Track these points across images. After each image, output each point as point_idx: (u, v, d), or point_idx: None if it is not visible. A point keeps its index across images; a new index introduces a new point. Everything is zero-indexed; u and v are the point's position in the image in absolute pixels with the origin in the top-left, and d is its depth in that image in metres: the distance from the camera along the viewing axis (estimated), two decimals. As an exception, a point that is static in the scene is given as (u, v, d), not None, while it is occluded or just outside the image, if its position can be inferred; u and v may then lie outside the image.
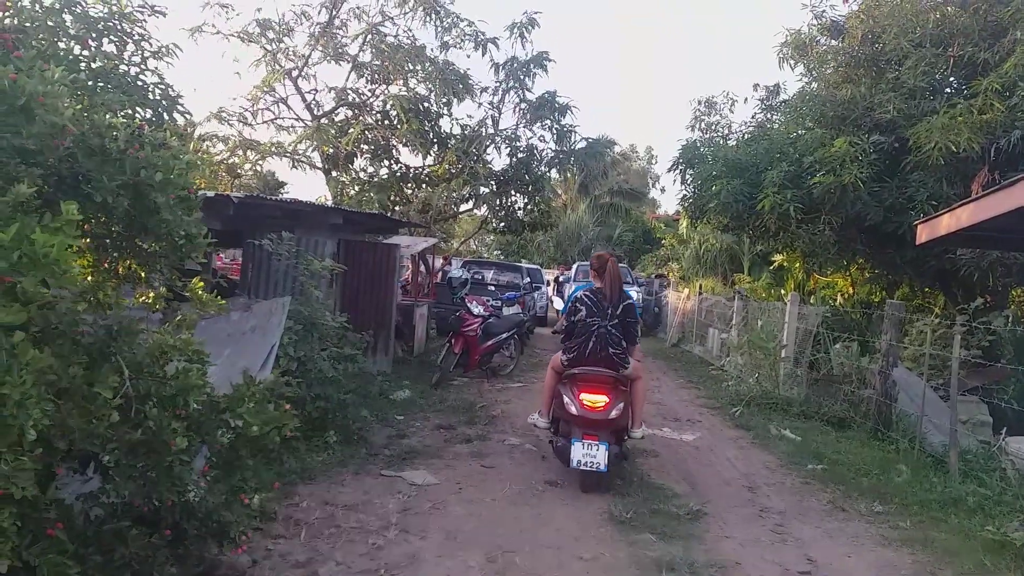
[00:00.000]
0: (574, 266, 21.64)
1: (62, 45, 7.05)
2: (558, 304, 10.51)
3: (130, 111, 5.36)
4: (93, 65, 7.89)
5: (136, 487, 3.59)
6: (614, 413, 6.01)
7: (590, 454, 5.89)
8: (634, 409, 6.41)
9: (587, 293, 6.39)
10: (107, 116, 3.86)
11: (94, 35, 8.03)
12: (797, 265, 16.54)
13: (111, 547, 3.45)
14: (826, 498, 6.20)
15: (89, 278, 4.23)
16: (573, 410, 6.01)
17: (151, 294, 4.58)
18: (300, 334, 6.80)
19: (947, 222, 8.47)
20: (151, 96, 8.41)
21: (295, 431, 5.70)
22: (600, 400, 6.02)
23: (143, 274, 4.39)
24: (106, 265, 4.29)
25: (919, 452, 7.25)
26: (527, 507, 5.53)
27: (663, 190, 57.84)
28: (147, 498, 3.60)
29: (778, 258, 17.46)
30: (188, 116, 8.46)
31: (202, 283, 4.90)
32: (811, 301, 14.08)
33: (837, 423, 8.85)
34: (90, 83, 7.72)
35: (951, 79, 11.66)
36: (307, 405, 6.44)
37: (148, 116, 5.66)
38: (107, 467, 3.64)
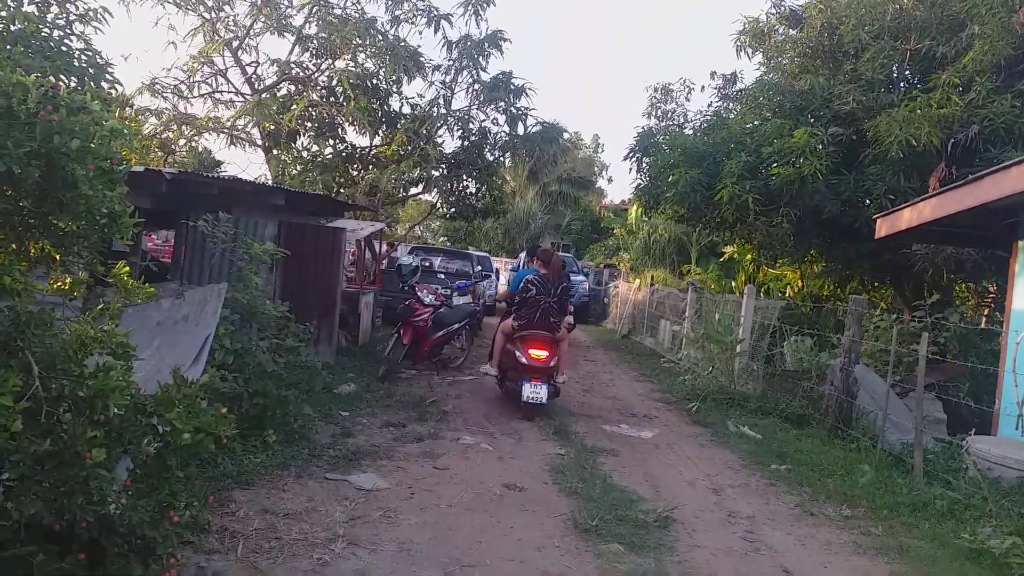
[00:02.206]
0: (521, 255, 21.37)
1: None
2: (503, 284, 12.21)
3: (51, 78, 4.77)
4: (12, 27, 7.16)
5: (44, 504, 3.08)
6: (552, 363, 8.26)
7: (535, 391, 8.04)
8: (562, 360, 8.61)
9: (536, 277, 8.54)
10: (16, 73, 3.28)
11: (13, -6, 7.27)
12: (748, 257, 16.52)
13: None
14: (793, 501, 5.98)
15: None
16: (524, 360, 8.16)
17: (68, 280, 4.02)
18: (237, 324, 6.26)
19: (908, 216, 8.39)
20: (76, 63, 7.70)
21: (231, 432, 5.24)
22: (543, 354, 8.20)
23: (58, 257, 3.83)
24: (14, 246, 3.72)
25: (880, 452, 7.11)
26: (485, 514, 5.14)
27: (611, 180, 58.13)
28: (58, 515, 3.10)
29: (728, 250, 17.42)
30: (118, 86, 7.80)
31: (127, 268, 4.38)
32: (761, 294, 14.02)
33: (796, 420, 8.72)
34: (8, 47, 7.01)
35: (908, 72, 11.66)
36: (244, 402, 5.91)
37: (72, 84, 5.07)
38: (9, 483, 3.13)
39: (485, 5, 14.35)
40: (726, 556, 4.73)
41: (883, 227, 8.81)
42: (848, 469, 6.75)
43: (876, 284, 13.59)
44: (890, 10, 11.30)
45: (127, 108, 13.71)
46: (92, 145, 3.13)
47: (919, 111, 9.72)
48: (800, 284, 15.80)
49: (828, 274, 14.26)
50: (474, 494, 5.51)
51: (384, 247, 16.90)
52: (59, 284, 3.97)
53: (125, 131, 3.89)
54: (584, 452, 6.90)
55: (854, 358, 8.10)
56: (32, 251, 3.85)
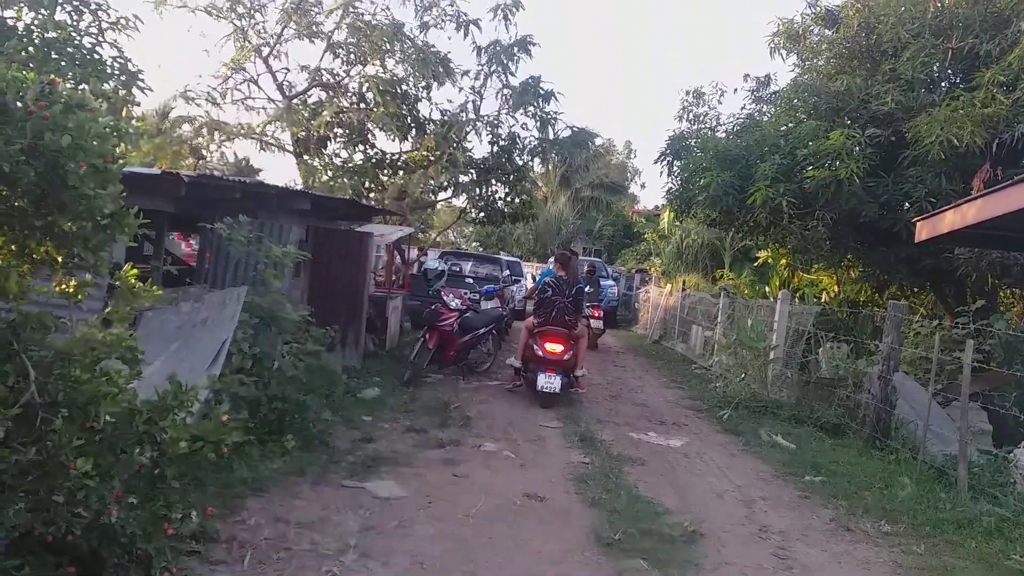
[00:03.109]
0: (551, 260, 21.22)
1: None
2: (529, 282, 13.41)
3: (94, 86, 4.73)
4: (47, 35, 7.17)
5: (33, 516, 2.98)
6: (566, 356, 9.04)
7: (549, 381, 8.78)
8: (578, 355, 9.38)
9: (553, 279, 9.49)
10: (10, 68, 3.20)
11: (45, 1, 7.31)
12: (783, 262, 16.11)
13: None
14: (828, 515, 5.71)
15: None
16: (540, 354, 9.01)
17: (72, 282, 3.93)
18: (257, 328, 6.17)
19: (951, 219, 8.02)
20: (108, 70, 7.70)
21: (248, 436, 5.13)
22: (558, 348, 9.03)
23: (60, 259, 3.74)
24: (14, 247, 3.64)
25: (922, 464, 6.78)
26: (503, 525, 4.96)
27: (643, 185, 57.58)
28: (47, 526, 3.00)
29: (762, 254, 17.03)
30: (148, 92, 7.78)
31: (135, 270, 4.30)
32: (796, 299, 13.65)
33: (831, 429, 8.40)
34: (41, 53, 7.02)
35: (949, 71, 11.26)
36: (263, 406, 5.83)
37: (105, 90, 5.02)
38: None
39: (514, 10, 14.24)
40: (756, 574, 4.50)
41: (924, 230, 8.44)
42: (887, 482, 6.45)
43: (916, 289, 13.13)
44: (931, 8, 10.92)
45: (165, 116, 13.88)
46: (84, 142, 3.02)
47: (962, 110, 9.35)
48: (836, 289, 15.35)
49: (865, 279, 13.82)
50: (493, 504, 5.33)
51: (415, 252, 16.85)
52: (63, 287, 3.88)
53: (128, 129, 3.81)
54: (609, 461, 6.69)
55: (893, 365, 7.78)
56: (36, 254, 3.77)
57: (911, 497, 6.05)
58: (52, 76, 3.40)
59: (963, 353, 6.60)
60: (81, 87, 3.89)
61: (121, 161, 3.28)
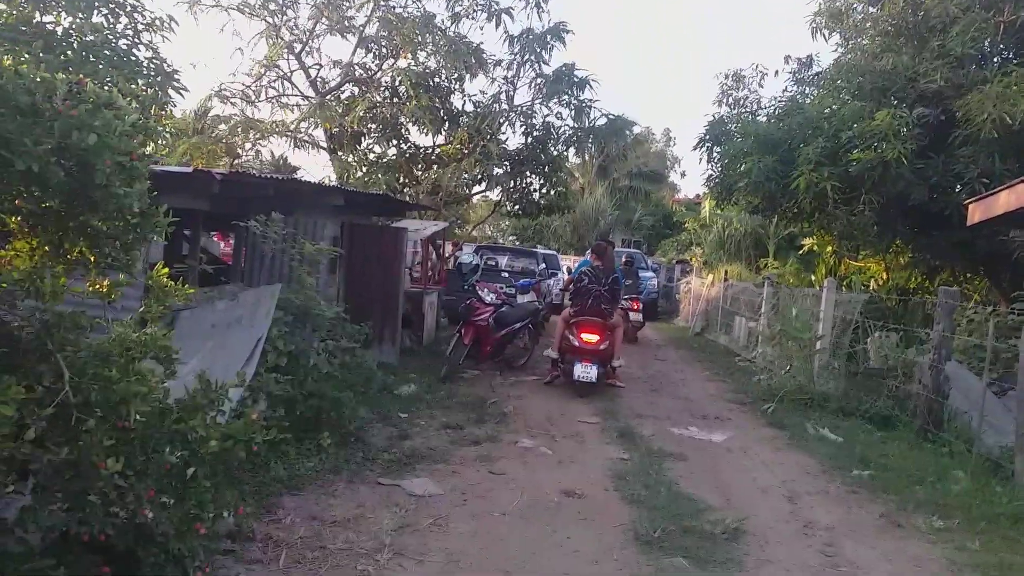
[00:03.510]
0: (588, 251, 21.02)
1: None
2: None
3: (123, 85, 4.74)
4: (85, 38, 7.25)
5: (68, 515, 2.98)
6: (602, 346, 9.09)
7: (586, 371, 8.87)
8: (615, 345, 9.40)
9: (589, 269, 9.60)
10: (38, 70, 3.20)
11: (82, 5, 7.39)
12: (829, 249, 15.71)
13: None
14: (877, 510, 5.50)
15: (27, 262, 3.62)
16: (576, 344, 9.08)
17: (106, 282, 3.93)
18: (291, 325, 6.16)
19: (1006, 200, 7.70)
20: (144, 71, 7.77)
21: (284, 434, 5.12)
22: (594, 338, 9.06)
23: (93, 259, 3.74)
24: (47, 248, 3.65)
25: (976, 456, 6.51)
26: (540, 523, 4.87)
27: (683, 174, 56.87)
28: (82, 525, 3.00)
29: (807, 242, 16.64)
30: (184, 92, 7.83)
31: (167, 269, 4.29)
32: (843, 287, 13.29)
33: (880, 421, 8.12)
34: (79, 57, 7.09)
35: (1002, 46, 10.82)
36: (299, 404, 5.81)
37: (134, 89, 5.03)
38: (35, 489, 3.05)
39: (547, -3, 14.08)
40: (801, 572, 4.34)
41: (976, 213, 8.12)
42: (939, 475, 6.20)
43: (968, 275, 12.69)
44: (981, -19, 10.49)
45: (203, 116, 14.06)
46: (110, 140, 3.00)
47: (1015, 87, 8.97)
48: (885, 276, 14.92)
49: (915, 265, 13.40)
50: (530, 501, 5.25)
51: (449, 247, 16.81)
52: (97, 287, 3.88)
53: (157, 127, 3.79)
54: (649, 456, 6.55)
55: (945, 354, 7.49)
56: (70, 254, 3.78)
57: (965, 491, 5.81)
58: (80, 76, 3.40)
59: (1020, 340, 6.30)
60: (108, 85, 3.87)
61: (148, 158, 3.25)
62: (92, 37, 7.10)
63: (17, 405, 2.61)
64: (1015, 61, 9.94)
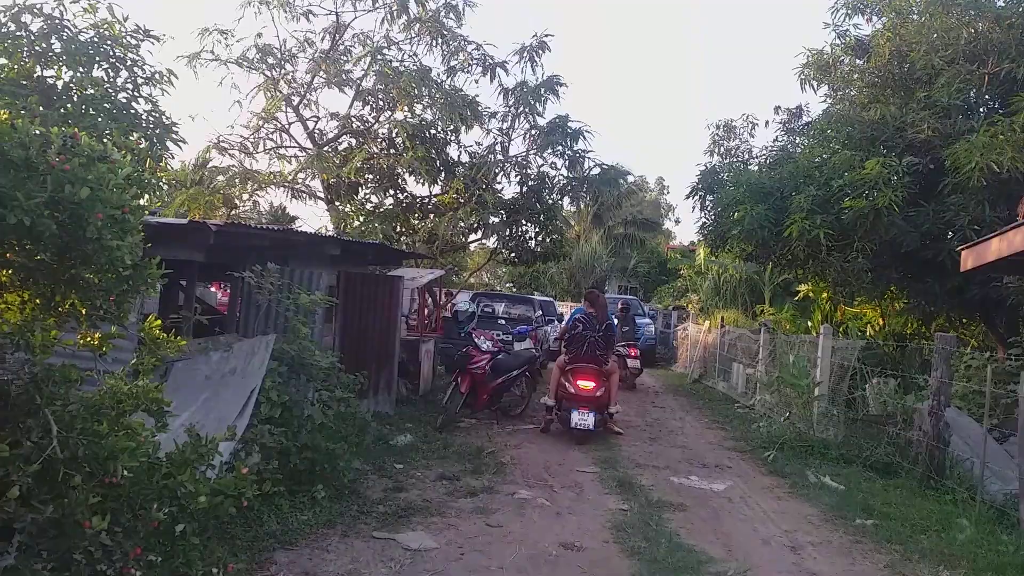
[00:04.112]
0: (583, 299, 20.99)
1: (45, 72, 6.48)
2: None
3: (117, 138, 4.78)
4: (85, 92, 7.35)
5: (53, 574, 2.90)
6: (599, 393, 9.17)
7: (583, 418, 8.92)
8: (611, 392, 9.46)
9: (583, 316, 9.72)
10: (33, 124, 3.22)
11: (83, 60, 7.50)
12: (824, 296, 15.74)
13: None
14: (882, 560, 5.40)
15: (18, 315, 3.60)
16: (572, 391, 9.15)
17: (96, 335, 3.91)
18: (285, 376, 6.11)
19: (997, 247, 7.73)
20: (143, 124, 7.86)
21: (277, 487, 5.03)
22: (590, 384, 9.15)
23: (84, 311, 3.71)
24: (38, 300, 3.63)
25: (981, 504, 6.42)
26: (539, 577, 4.77)
27: (678, 221, 57.31)
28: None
29: (803, 288, 16.68)
30: (182, 144, 7.91)
31: (159, 321, 4.27)
32: (839, 333, 13.27)
33: (882, 468, 8.03)
34: (78, 110, 7.18)
35: (987, 96, 11.03)
36: (292, 456, 5.72)
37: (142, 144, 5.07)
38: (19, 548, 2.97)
39: (540, 52, 14.34)
40: (806, 627, 4.23)
41: (969, 259, 8.15)
42: (944, 524, 6.11)
43: (964, 320, 12.70)
44: (964, 34, 10.74)
45: (202, 167, 14.18)
46: (102, 193, 3.00)
47: (1001, 136, 9.11)
48: (881, 322, 14.92)
49: (911, 311, 13.41)
50: (528, 555, 5.14)
51: (442, 295, 16.78)
52: (88, 339, 3.85)
53: (151, 180, 3.81)
54: (649, 507, 6.44)
55: (944, 400, 7.44)
56: (64, 306, 3.75)
57: (970, 540, 5.71)
58: (75, 129, 3.42)
59: (1019, 385, 6.27)
60: (105, 138, 3.88)
61: (141, 210, 3.25)
62: (92, 91, 7.20)
63: (2, 462, 2.55)
64: (1000, 111, 10.11)
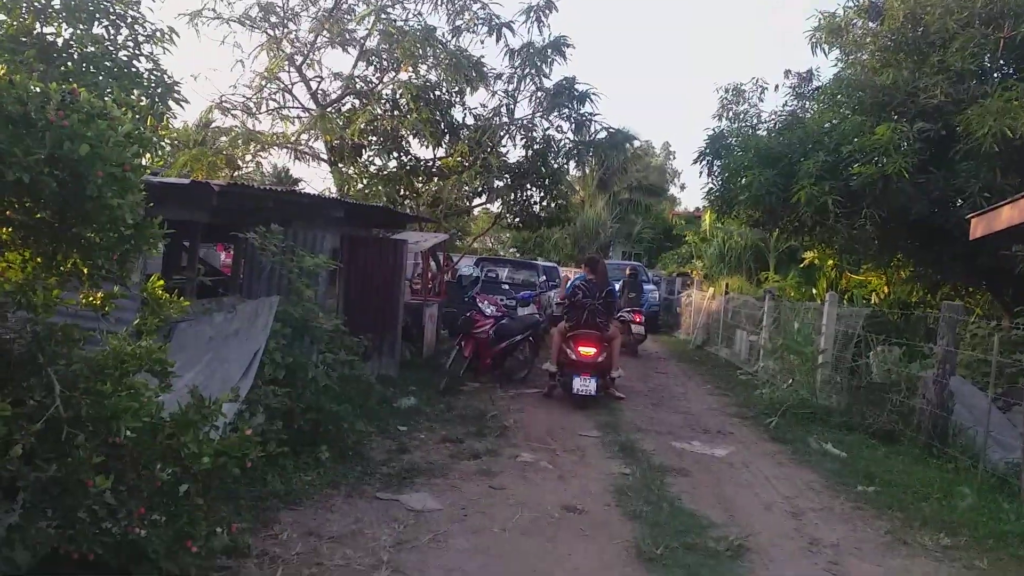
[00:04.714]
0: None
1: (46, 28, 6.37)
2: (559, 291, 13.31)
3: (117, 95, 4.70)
4: (85, 50, 7.24)
5: (57, 533, 2.91)
6: (600, 359, 9.21)
7: (585, 384, 8.95)
8: (612, 357, 9.49)
9: (583, 282, 9.72)
10: (32, 80, 3.16)
11: (83, 16, 7.37)
12: (830, 263, 15.67)
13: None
14: (883, 527, 5.42)
15: (19, 274, 3.57)
16: (574, 357, 9.16)
17: (99, 295, 3.88)
18: (289, 338, 6.10)
19: (1008, 214, 7.66)
20: (145, 83, 7.74)
21: (282, 448, 5.05)
22: (591, 351, 9.17)
23: (86, 270, 3.68)
24: (39, 260, 3.59)
25: (983, 472, 6.44)
26: (541, 538, 4.80)
27: (683, 187, 56.87)
28: (71, 542, 2.93)
29: (808, 255, 16.61)
30: (185, 104, 7.81)
31: (162, 281, 4.24)
32: (844, 301, 13.24)
33: (884, 436, 8.04)
34: (79, 67, 7.08)
35: (1002, 61, 10.83)
36: (296, 417, 5.74)
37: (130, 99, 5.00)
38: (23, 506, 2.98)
39: (547, 11, 14.08)
40: (807, 592, 4.26)
41: (979, 227, 8.08)
42: (945, 492, 6.13)
43: (971, 289, 12.64)
44: (980, -3, 10.51)
45: (206, 127, 14.05)
46: (103, 151, 2.95)
47: (1016, 101, 8.97)
48: (886, 290, 14.87)
49: (917, 279, 13.36)
50: (530, 516, 5.17)
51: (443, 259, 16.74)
52: (91, 299, 3.82)
53: (153, 138, 3.75)
54: (651, 471, 6.46)
55: (949, 369, 7.43)
56: (63, 266, 3.72)
57: (972, 508, 5.74)
58: (74, 86, 3.36)
59: (1025, 355, 6.25)
60: (105, 95, 3.80)
61: (141, 169, 3.20)
62: (92, 48, 7.09)
63: (4, 421, 2.54)
64: (1015, 76, 9.94)
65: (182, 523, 3.04)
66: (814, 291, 16.78)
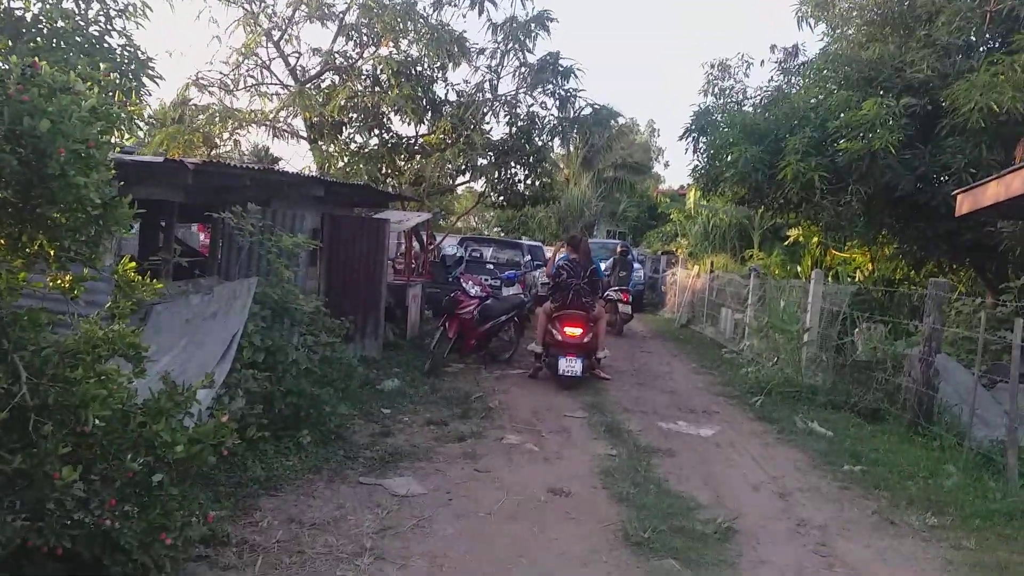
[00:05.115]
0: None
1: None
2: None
3: (83, 70, 4.51)
4: (56, 25, 6.98)
5: (26, 526, 2.79)
6: (586, 339, 9.11)
7: (571, 365, 8.84)
8: (598, 337, 9.41)
9: (567, 262, 9.53)
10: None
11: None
12: (814, 240, 15.66)
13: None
14: (870, 507, 5.40)
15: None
16: (559, 338, 9.07)
17: (68, 277, 3.73)
18: (268, 320, 5.96)
19: (994, 190, 7.62)
20: (117, 59, 7.49)
21: (262, 432, 4.93)
22: (577, 331, 9.06)
23: (52, 252, 3.52)
24: (2, 241, 3.44)
25: (968, 450, 6.44)
26: (527, 522, 4.73)
27: (667, 164, 56.77)
28: (39, 535, 2.81)
29: (793, 233, 16.58)
30: (159, 80, 7.57)
31: (133, 263, 4.10)
32: (829, 279, 13.23)
33: (870, 415, 8.04)
34: (48, 43, 6.83)
35: (988, 35, 10.77)
36: (276, 401, 5.62)
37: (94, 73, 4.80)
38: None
39: (531, -15, 13.82)
40: (795, 574, 4.22)
41: (965, 203, 8.04)
42: (931, 470, 6.13)
43: (954, 266, 12.67)
44: (967, -30, 10.42)
45: (183, 105, 13.74)
46: (65, 127, 2.79)
47: (1002, 75, 8.91)
48: (871, 267, 14.89)
49: (901, 256, 13.36)
50: (516, 500, 5.10)
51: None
52: (59, 282, 3.67)
53: (121, 113, 3.58)
54: (637, 452, 6.41)
55: (935, 347, 7.41)
56: (29, 247, 3.56)
57: (958, 487, 5.73)
58: (35, 59, 3.19)
59: (1010, 332, 6.22)
60: (69, 70, 3.63)
61: (107, 146, 3.05)
62: (63, 23, 6.84)
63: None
64: (1001, 50, 9.87)
65: (156, 514, 2.93)
66: (799, 269, 16.78)
